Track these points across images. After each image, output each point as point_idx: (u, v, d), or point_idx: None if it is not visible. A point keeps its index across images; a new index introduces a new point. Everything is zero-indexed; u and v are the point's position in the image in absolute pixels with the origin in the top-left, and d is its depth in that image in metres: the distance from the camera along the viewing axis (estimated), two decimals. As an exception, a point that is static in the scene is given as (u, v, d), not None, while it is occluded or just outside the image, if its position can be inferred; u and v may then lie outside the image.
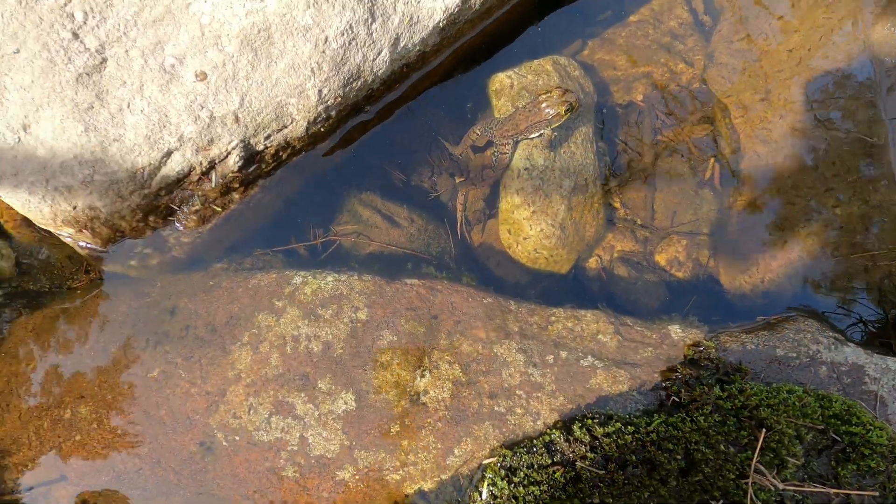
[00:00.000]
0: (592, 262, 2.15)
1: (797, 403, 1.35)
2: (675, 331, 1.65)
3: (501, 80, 1.96)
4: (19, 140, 1.24)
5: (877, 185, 1.87)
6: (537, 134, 1.82)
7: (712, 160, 2.19)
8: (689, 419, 1.35)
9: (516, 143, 1.87)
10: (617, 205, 2.22)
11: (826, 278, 1.87)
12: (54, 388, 1.65)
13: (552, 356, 1.58)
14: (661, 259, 2.13)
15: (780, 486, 1.18)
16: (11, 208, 1.59)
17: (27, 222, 1.67)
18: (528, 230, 1.92)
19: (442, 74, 1.96)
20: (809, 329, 1.61)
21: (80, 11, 1.20)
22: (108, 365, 1.64)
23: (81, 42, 1.22)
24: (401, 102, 1.87)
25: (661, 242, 2.17)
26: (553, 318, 1.66)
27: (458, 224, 2.00)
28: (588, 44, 2.33)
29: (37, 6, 1.18)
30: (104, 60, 1.24)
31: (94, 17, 1.22)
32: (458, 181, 2.09)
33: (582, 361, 1.57)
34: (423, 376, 1.54)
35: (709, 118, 2.22)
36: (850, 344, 1.58)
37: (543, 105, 1.73)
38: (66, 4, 1.20)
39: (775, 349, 1.56)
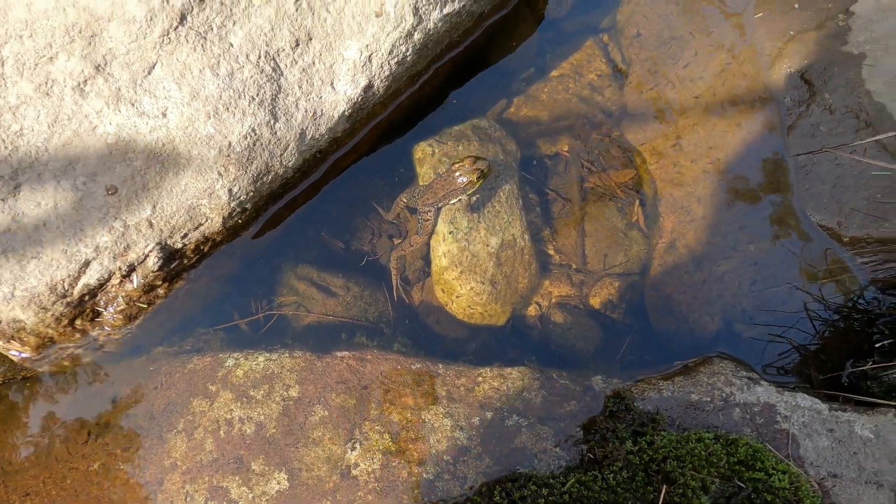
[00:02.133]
0: (532, 310, 2.22)
1: (703, 453, 1.41)
2: (598, 381, 1.72)
3: (423, 149, 2.07)
4: (-59, 266, 1.31)
5: (785, 221, 1.96)
6: (456, 200, 1.92)
7: (636, 203, 2.28)
8: (600, 477, 1.40)
9: (438, 209, 1.96)
10: (551, 251, 2.30)
11: (745, 314, 1.94)
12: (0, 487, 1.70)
13: (478, 418, 1.64)
14: (595, 302, 2.20)
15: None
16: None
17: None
18: (459, 289, 2.00)
19: (367, 148, 2.06)
20: (723, 371, 1.68)
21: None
22: (52, 461, 1.69)
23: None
24: (327, 179, 1.97)
25: (595, 285, 2.24)
26: (480, 379, 1.73)
27: (394, 287, 2.07)
28: (513, 101, 2.45)
29: (-49, 142, 1.27)
30: (18, 185, 1.33)
31: (5, 147, 1.31)
32: (395, 243, 2.18)
33: (507, 421, 1.63)
34: (353, 449, 1.60)
35: (632, 162, 2.32)
36: (762, 383, 1.65)
37: (457, 174, 1.82)
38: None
39: (690, 394, 1.62)
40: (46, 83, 1.31)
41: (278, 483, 1.56)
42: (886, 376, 1.65)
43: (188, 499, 1.57)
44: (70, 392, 1.74)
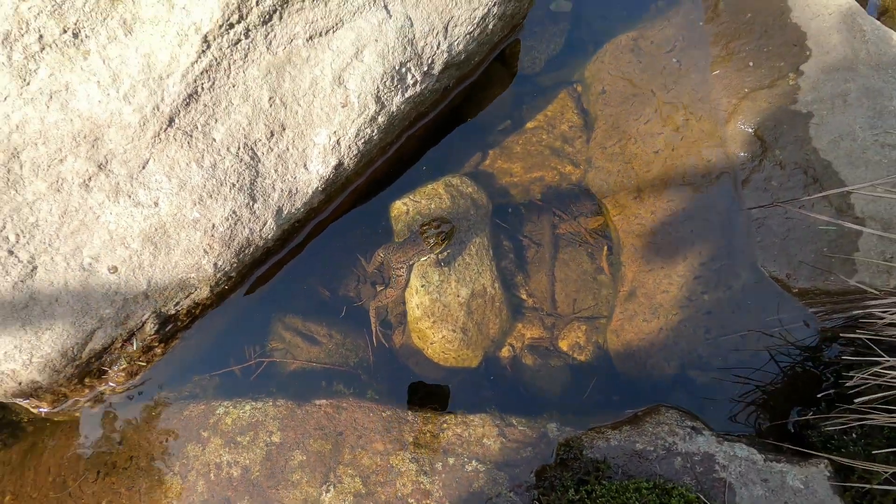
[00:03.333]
0: (505, 352, 2.37)
1: (637, 501, 1.54)
2: (552, 429, 1.86)
3: (398, 207, 2.25)
4: (-29, 338, 1.54)
5: (737, 272, 2.07)
6: (425, 258, 2.09)
7: (605, 248, 2.42)
8: (542, 523, 1.55)
9: (410, 266, 2.14)
10: (524, 296, 2.45)
11: (700, 360, 2.05)
12: (22, 520, 1.93)
13: (441, 463, 1.80)
14: (564, 344, 2.34)
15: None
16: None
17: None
18: (433, 337, 2.17)
19: (347, 208, 2.25)
20: (668, 421, 1.80)
21: (13, 233, 1.52)
22: (66, 496, 1.91)
23: (16, 257, 1.54)
24: (310, 239, 2.17)
25: (565, 328, 2.38)
26: (444, 426, 1.89)
27: (374, 334, 2.25)
28: (489, 154, 2.61)
29: (-21, 234, 1.50)
30: (35, 268, 1.55)
31: (24, 236, 1.53)
32: (378, 290, 2.36)
33: (467, 466, 1.79)
34: (328, 491, 1.77)
35: (601, 210, 2.46)
36: (704, 433, 1.76)
37: (424, 237, 2.00)
38: (1, 230, 1.52)
39: (636, 443, 1.75)
40: (57, 181, 1.53)
41: (260, 522, 1.76)
42: (825, 426, 1.74)
43: (182, 535, 1.77)
44: (82, 436, 1.97)
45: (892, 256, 1.83)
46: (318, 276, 2.36)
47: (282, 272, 2.20)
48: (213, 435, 1.87)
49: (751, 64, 2.22)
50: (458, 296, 2.19)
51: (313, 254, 2.30)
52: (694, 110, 2.29)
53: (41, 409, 1.79)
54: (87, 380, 1.75)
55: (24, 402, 1.74)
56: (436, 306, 2.16)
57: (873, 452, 1.53)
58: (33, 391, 1.67)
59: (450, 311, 2.17)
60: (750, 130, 2.14)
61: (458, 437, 1.86)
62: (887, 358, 1.68)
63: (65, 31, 1.47)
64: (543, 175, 2.53)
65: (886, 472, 1.54)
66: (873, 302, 1.81)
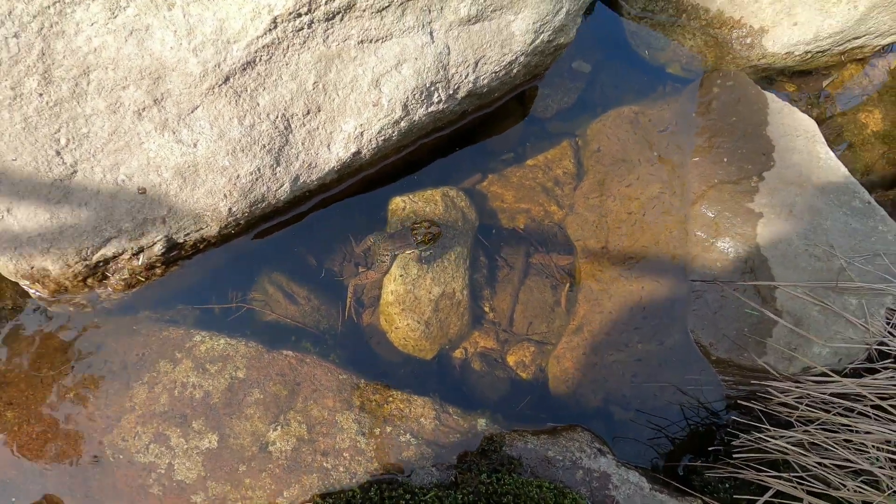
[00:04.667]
0: (458, 353, 2.63)
1: (537, 496, 1.80)
2: (482, 424, 2.11)
3: (397, 203, 2.51)
4: (2, 218, 1.75)
5: (671, 331, 2.38)
6: (410, 252, 2.35)
7: (567, 286, 2.71)
8: (453, 495, 1.79)
9: (394, 256, 2.39)
10: (487, 309, 2.72)
11: (623, 399, 2.34)
12: (-9, 394, 2.09)
13: (379, 429, 2.03)
14: (511, 359, 2.61)
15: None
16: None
17: None
18: (398, 322, 2.41)
19: (353, 192, 2.50)
20: (580, 440, 2.07)
21: (65, 137, 1.74)
22: (37, 382, 2.08)
23: (61, 158, 1.75)
24: (313, 210, 2.41)
25: (515, 345, 2.65)
26: (390, 399, 2.13)
27: (347, 307, 2.49)
28: (488, 177, 2.90)
29: (36, 131, 1.72)
30: (75, 172, 1.77)
31: (74, 142, 1.75)
32: (360, 271, 2.60)
33: (401, 437, 2.02)
34: (275, 430, 1.99)
35: (573, 252, 2.75)
36: (607, 456, 2.04)
37: (413, 233, 2.26)
38: (56, 132, 1.74)
39: (548, 451, 2.01)
40: (115, 104, 1.76)
41: (209, 442, 1.96)
42: (707, 474, 2.04)
43: (136, 437, 1.96)
44: (66, 331, 2.15)
45: (796, 347, 2.15)
46: (310, 246, 2.59)
47: (281, 233, 2.43)
48: (185, 358, 2.08)
49: (725, 160, 2.56)
50: (430, 292, 2.44)
51: (312, 225, 2.53)
52: (670, 186, 2.62)
53: (39, 294, 1.98)
54: (90, 280, 1.95)
55: (26, 284, 1.93)
56: (408, 296, 2.41)
57: (735, 497, 1.82)
58: (41, 277, 1.87)
59: (419, 303, 2.42)
60: (711, 215, 2.47)
61: (400, 412, 2.09)
62: (769, 428, 1.99)
63: (160, -17, 1.70)
64: (530, 208, 2.83)
65: (742, 518, 1.84)
66: (772, 382, 2.12)
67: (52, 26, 1.65)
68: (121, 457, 1.95)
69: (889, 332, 2.08)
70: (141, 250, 1.91)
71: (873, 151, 3.09)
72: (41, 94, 1.69)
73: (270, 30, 1.78)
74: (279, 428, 2.00)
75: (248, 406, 2.02)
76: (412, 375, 2.54)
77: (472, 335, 2.64)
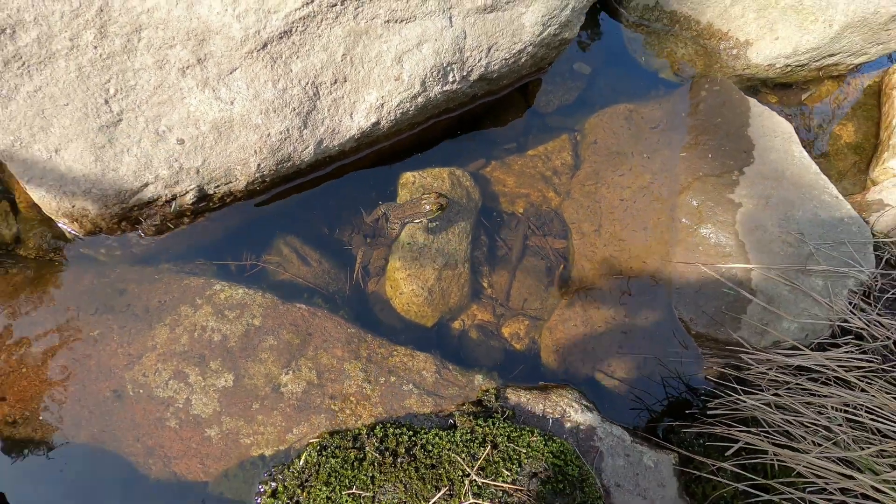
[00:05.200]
0: (457, 324, 2.79)
1: (528, 438, 1.96)
2: (479, 380, 2.27)
3: (407, 177, 2.69)
4: (51, 157, 1.90)
5: (655, 307, 2.57)
6: (418, 221, 2.52)
7: (561, 267, 2.90)
8: (451, 434, 1.94)
9: (403, 224, 2.57)
10: (485, 285, 2.90)
11: (609, 368, 2.52)
12: (17, 329, 2.21)
13: (384, 378, 2.18)
14: (506, 331, 2.78)
15: (479, 480, 1.77)
16: (29, 196, 2.24)
17: (36, 208, 2.30)
18: (403, 288, 2.58)
19: (367, 164, 2.68)
20: (570, 396, 2.24)
21: (114, 88, 1.90)
22: (63, 321, 2.21)
23: (109, 106, 1.91)
24: (329, 178, 2.58)
25: (510, 319, 2.82)
26: (395, 353, 2.28)
27: (355, 273, 2.65)
28: (491, 163, 3.10)
29: (88, 80, 1.88)
30: (120, 120, 1.93)
31: (121, 92, 1.91)
32: (367, 241, 2.77)
33: (404, 387, 2.17)
34: (287, 374, 2.13)
35: (568, 236, 2.95)
36: (593, 412, 2.21)
37: (422, 202, 2.44)
38: (106, 83, 1.90)
39: (539, 404, 2.18)
40: (162, 60, 1.93)
41: (225, 381, 2.09)
42: (683, 431, 2.22)
43: (156, 373, 2.09)
44: (93, 273, 2.28)
45: (768, 323, 2.36)
46: (323, 212, 2.75)
47: (298, 196, 2.60)
48: (205, 304, 2.22)
49: (710, 156, 2.79)
50: (434, 262, 2.62)
51: (327, 192, 2.70)
52: (659, 177, 2.84)
53: (74, 233, 2.12)
54: (123, 223, 2.10)
55: (63, 223, 2.07)
56: (414, 263, 2.58)
57: (707, 447, 1.99)
58: (80, 216, 2.01)
59: (424, 271, 2.59)
60: (695, 204, 2.68)
61: (403, 364, 2.25)
62: (741, 389, 2.18)
63: (211, -46, 1.89)
64: (530, 193, 3.03)
65: (713, 466, 2.01)
66: (746, 354, 2.32)
67: (111, -14, 1.82)
68: (141, 391, 2.07)
69: (850, 311, 2.30)
70: (174, 198, 2.07)
71: (846, 160, 3.35)
72: (96, 47, 1.85)
73: (307, 3, 1.97)
74: (291, 372, 2.14)
75: (263, 351, 2.16)
76: (413, 340, 2.70)
77: (470, 308, 2.81)
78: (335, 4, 2.00)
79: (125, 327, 2.18)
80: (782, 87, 3.44)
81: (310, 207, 2.67)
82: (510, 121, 3.17)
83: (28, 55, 1.81)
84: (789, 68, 3.18)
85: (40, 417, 2.10)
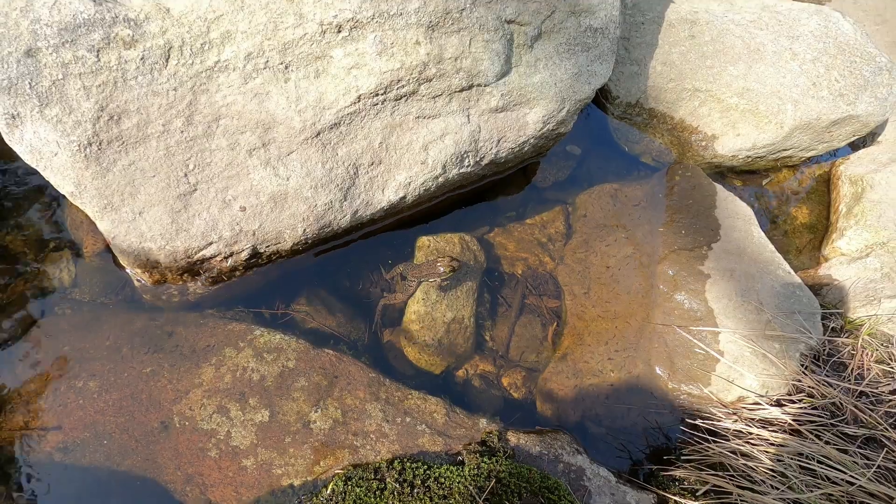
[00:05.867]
0: (461, 373, 3.11)
1: (527, 474, 2.25)
2: (483, 423, 2.58)
3: (423, 241, 3.10)
4: (135, 219, 2.27)
5: (637, 363, 2.92)
6: (432, 280, 2.91)
7: (554, 325, 3.27)
8: (461, 470, 2.23)
9: (420, 282, 2.95)
10: (487, 338, 3.25)
11: (596, 417, 2.84)
12: (75, 365, 2.49)
13: (400, 419, 2.48)
14: (505, 381, 3.10)
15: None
16: (94, 242, 2.60)
17: (101, 257, 2.65)
18: (416, 338, 2.92)
19: (389, 229, 3.09)
20: (562, 440, 2.55)
21: (193, 164, 2.31)
22: (118, 359, 2.50)
23: (187, 178, 2.31)
24: (358, 239, 2.98)
25: (509, 370, 3.15)
26: (409, 397, 2.59)
27: (374, 324, 2.99)
28: (494, 229, 3.53)
29: (173, 157, 2.29)
30: (195, 189, 2.33)
31: (198, 168, 2.32)
32: (385, 295, 3.13)
33: (418, 427, 2.47)
34: (316, 412, 2.42)
35: (561, 297, 3.34)
36: (583, 455, 2.51)
37: (438, 264, 2.83)
38: (187, 160, 2.31)
39: (535, 446, 2.48)
40: (234, 143, 2.35)
41: (262, 416, 2.37)
42: (661, 475, 2.52)
43: (202, 408, 2.37)
44: (144, 317, 2.59)
45: (733, 380, 2.72)
46: (348, 268, 3.13)
47: (328, 256, 2.97)
48: (247, 347, 2.53)
49: (683, 232, 3.24)
50: (444, 316, 2.97)
51: (353, 251, 3.09)
52: (641, 248, 3.27)
53: (143, 283, 2.46)
54: (185, 275, 2.45)
55: (135, 272, 2.42)
56: (427, 317, 2.93)
57: (681, 490, 2.29)
58: (151, 268, 2.37)
59: (435, 323, 2.94)
60: (671, 273, 3.10)
61: (417, 407, 2.55)
62: (711, 438, 2.51)
63: (281, 63, 2.37)
64: (528, 257, 3.44)
65: (687, 505, 2.31)
66: (715, 407, 2.66)
67: (201, 86, 2.27)
68: (186, 423, 2.35)
69: (802, 372, 2.67)
70: (231, 255, 2.44)
71: (803, 238, 3.84)
72: (182, 131, 2.28)
73: (355, 103, 2.44)
74: (319, 410, 2.43)
75: (295, 391, 2.46)
76: (423, 386, 3.00)
77: (473, 358, 3.15)
78: (377, 104, 2.47)
79: (175, 366, 2.47)
80: (746, 173, 3.98)
81: (337, 264, 3.04)
82: (512, 193, 3.64)
83: (127, 136, 2.22)
84: (750, 159, 3.72)
85: (90, 445, 2.35)
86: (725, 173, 3.93)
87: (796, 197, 3.98)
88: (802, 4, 3.89)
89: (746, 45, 3.60)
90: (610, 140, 3.88)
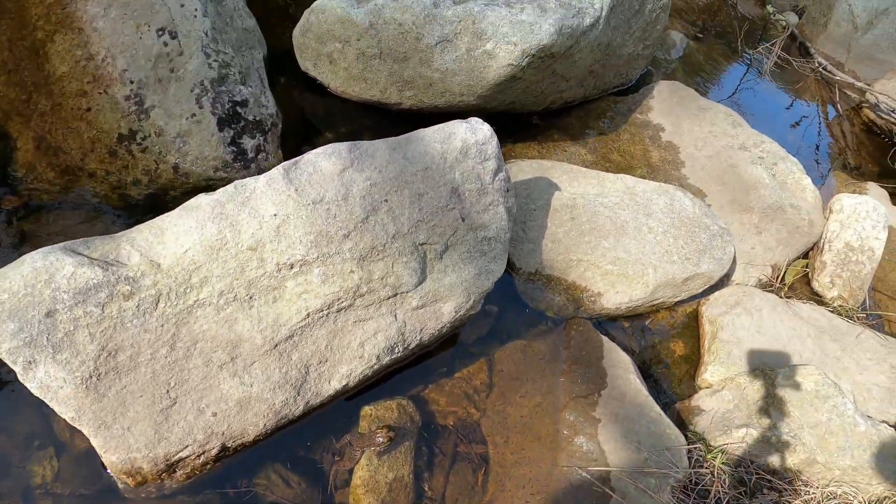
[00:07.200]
0: (404, 525, 3.59)
1: None
2: (420, 578, 3.05)
3: (366, 411, 3.71)
4: (123, 433, 2.81)
5: (547, 500, 3.51)
6: (374, 448, 3.49)
7: (483, 470, 3.85)
8: None
9: (363, 450, 3.52)
10: (426, 488, 3.78)
11: (518, 557, 3.35)
12: (60, 565, 2.83)
13: (349, 584, 2.93)
14: (442, 529, 3.60)
15: None
16: (82, 440, 3.07)
17: (87, 452, 3.11)
18: (363, 501, 3.42)
19: (336, 405, 3.70)
20: (487, 587, 3.04)
21: (174, 381, 2.90)
22: (99, 554, 2.87)
23: (168, 394, 2.89)
24: (307, 419, 3.56)
25: (446, 518, 3.66)
26: (357, 561, 3.05)
27: (329, 487, 3.49)
28: (428, 386, 4.20)
29: (157, 378, 2.89)
30: (175, 403, 2.90)
31: (178, 385, 2.92)
32: (336, 460, 3.66)
33: (364, 590, 2.92)
34: (275, 587, 2.85)
35: (486, 442, 3.96)
36: None
37: (377, 436, 3.44)
38: (169, 379, 2.91)
39: None
40: (208, 360, 2.99)
41: None
42: None
43: None
44: (128, 512, 3.01)
45: (623, 514, 3.35)
46: (301, 441, 3.66)
47: (285, 431, 3.52)
48: (215, 531, 2.96)
49: (579, 381, 4.01)
50: (386, 477, 3.51)
51: (305, 426, 3.64)
52: (547, 398, 4.00)
53: (125, 484, 2.93)
54: (163, 474, 2.95)
55: (122, 478, 2.90)
56: (371, 480, 3.46)
57: None
58: (135, 473, 2.87)
59: (378, 485, 3.46)
60: (571, 419, 3.81)
61: (363, 570, 3.01)
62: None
63: (247, 295, 3.08)
64: (457, 410, 4.09)
65: None
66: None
67: (183, 320, 2.94)
68: None
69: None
70: (203, 453, 2.98)
71: (681, 369, 4.70)
72: (166, 356, 2.91)
73: (305, 318, 3.16)
74: (278, 585, 2.85)
75: (257, 568, 2.88)
76: (370, 544, 3.45)
77: (415, 509, 3.65)
78: (323, 317, 3.21)
79: (151, 557, 2.87)
80: (633, 317, 4.90)
81: (292, 438, 3.58)
82: (441, 352, 4.36)
83: (122, 367, 2.82)
84: (630, 308, 4.65)
85: None
86: (615, 320, 4.84)
87: (674, 332, 4.91)
88: (654, 184, 5.10)
89: (613, 223, 4.68)
90: (519, 300, 4.76)
